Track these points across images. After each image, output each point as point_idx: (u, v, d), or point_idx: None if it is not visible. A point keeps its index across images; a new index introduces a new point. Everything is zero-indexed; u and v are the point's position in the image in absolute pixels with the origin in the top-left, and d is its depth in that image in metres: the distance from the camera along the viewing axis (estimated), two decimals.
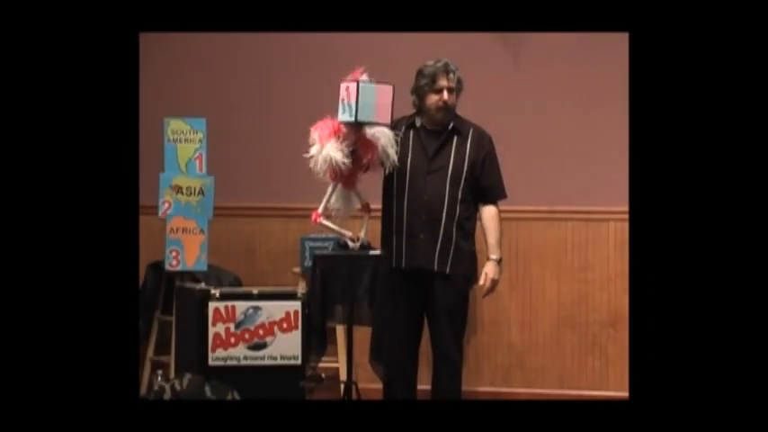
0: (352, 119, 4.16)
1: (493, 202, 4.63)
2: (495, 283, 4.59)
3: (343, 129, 4.28)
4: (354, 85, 4.18)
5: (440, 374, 4.58)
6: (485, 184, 4.59)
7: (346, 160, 4.23)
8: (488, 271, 4.57)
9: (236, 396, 4.50)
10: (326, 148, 4.22)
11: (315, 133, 4.29)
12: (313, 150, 4.26)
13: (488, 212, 4.62)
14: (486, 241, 4.63)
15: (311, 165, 4.24)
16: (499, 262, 4.59)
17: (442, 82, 4.49)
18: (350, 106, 4.17)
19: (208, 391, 4.46)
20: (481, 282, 4.57)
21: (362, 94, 4.16)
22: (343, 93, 4.24)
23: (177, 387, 4.45)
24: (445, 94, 4.47)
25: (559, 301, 5.66)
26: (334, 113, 4.31)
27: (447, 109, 4.50)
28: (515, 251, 5.66)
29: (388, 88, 4.27)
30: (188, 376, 4.51)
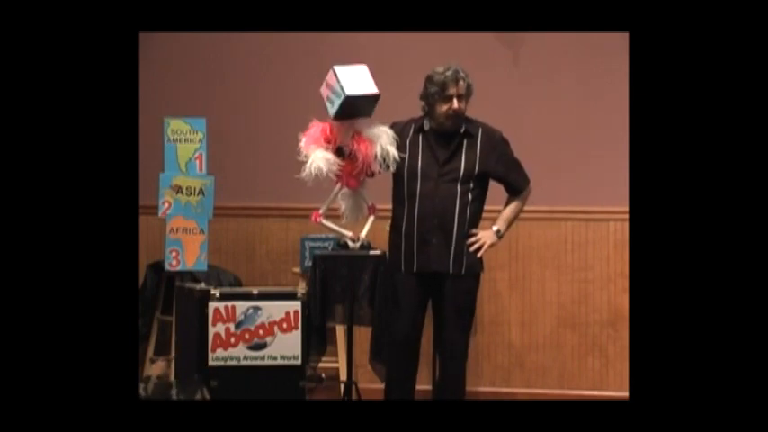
0: (342, 97, 4.13)
1: (518, 194, 4.66)
2: (482, 246, 4.53)
3: (335, 129, 4.28)
4: (330, 73, 4.19)
5: (446, 371, 4.58)
6: (508, 180, 4.63)
7: (334, 168, 4.23)
8: (484, 234, 4.54)
9: (207, 395, 4.48)
10: (312, 158, 4.21)
11: (302, 141, 4.27)
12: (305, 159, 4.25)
13: (513, 200, 4.67)
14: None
15: (303, 175, 4.23)
16: (498, 234, 4.58)
17: (452, 90, 4.45)
18: (335, 93, 4.17)
19: (174, 393, 4.44)
20: (472, 239, 4.52)
21: (341, 74, 4.17)
22: (324, 92, 4.23)
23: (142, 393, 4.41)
24: (455, 103, 4.44)
25: (559, 301, 5.66)
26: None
27: (457, 116, 4.49)
28: (515, 251, 5.66)
29: (363, 66, 4.27)
30: (153, 380, 4.49)
